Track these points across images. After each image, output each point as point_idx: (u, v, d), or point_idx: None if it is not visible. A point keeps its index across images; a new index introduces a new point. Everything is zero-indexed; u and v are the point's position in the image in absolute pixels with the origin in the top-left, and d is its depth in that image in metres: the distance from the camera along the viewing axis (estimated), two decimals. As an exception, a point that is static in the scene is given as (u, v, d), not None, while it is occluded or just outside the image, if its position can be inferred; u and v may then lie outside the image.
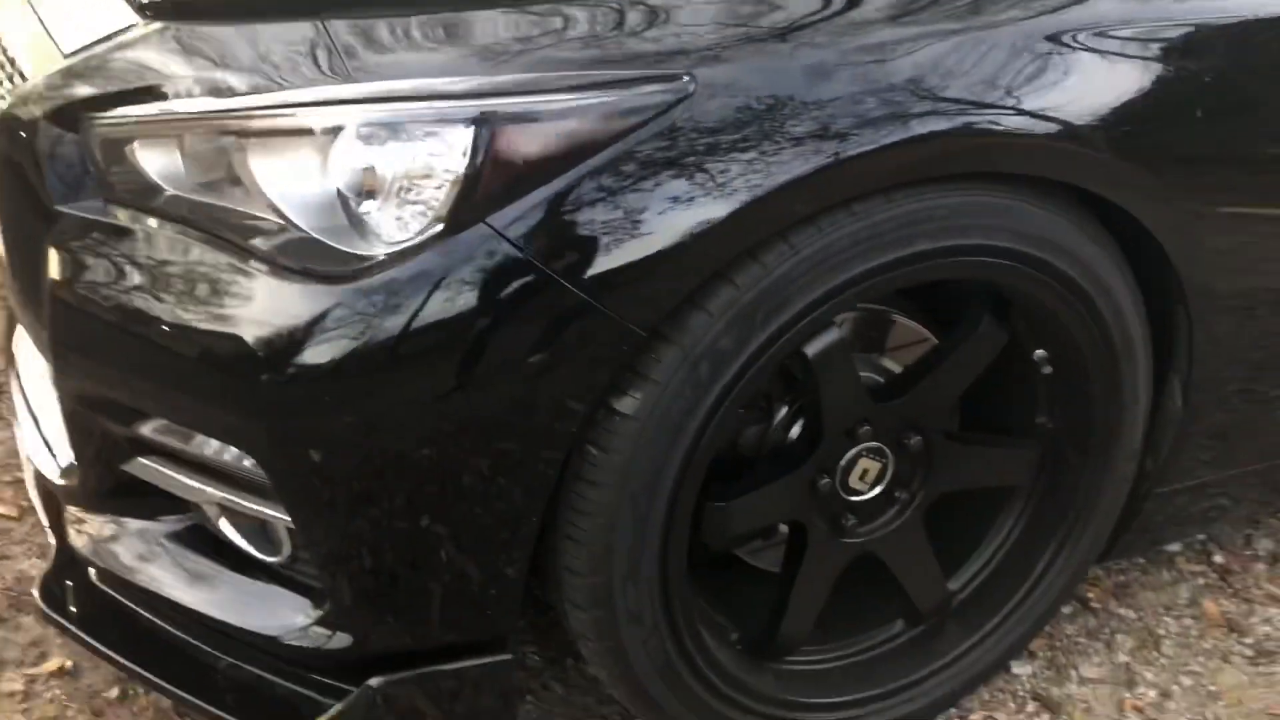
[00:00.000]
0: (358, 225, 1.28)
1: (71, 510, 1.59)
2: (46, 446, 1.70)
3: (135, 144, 1.39)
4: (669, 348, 1.29)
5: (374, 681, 1.39)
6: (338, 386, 1.26)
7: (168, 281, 1.34)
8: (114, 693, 1.65)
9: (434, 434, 1.28)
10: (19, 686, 1.66)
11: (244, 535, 1.45)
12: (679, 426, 1.32)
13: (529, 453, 1.30)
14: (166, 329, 1.32)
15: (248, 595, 1.46)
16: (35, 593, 1.56)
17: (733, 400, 1.33)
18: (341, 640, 1.37)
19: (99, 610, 1.55)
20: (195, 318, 1.31)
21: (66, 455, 1.64)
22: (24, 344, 1.92)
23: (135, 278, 1.36)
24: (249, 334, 1.27)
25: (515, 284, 1.23)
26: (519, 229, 1.22)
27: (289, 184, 1.30)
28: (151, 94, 1.41)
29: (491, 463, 1.30)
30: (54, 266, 1.41)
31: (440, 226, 1.24)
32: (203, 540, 1.51)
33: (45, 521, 1.69)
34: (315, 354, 1.25)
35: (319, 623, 1.38)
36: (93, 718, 1.62)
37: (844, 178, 1.29)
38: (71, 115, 1.43)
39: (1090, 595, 1.97)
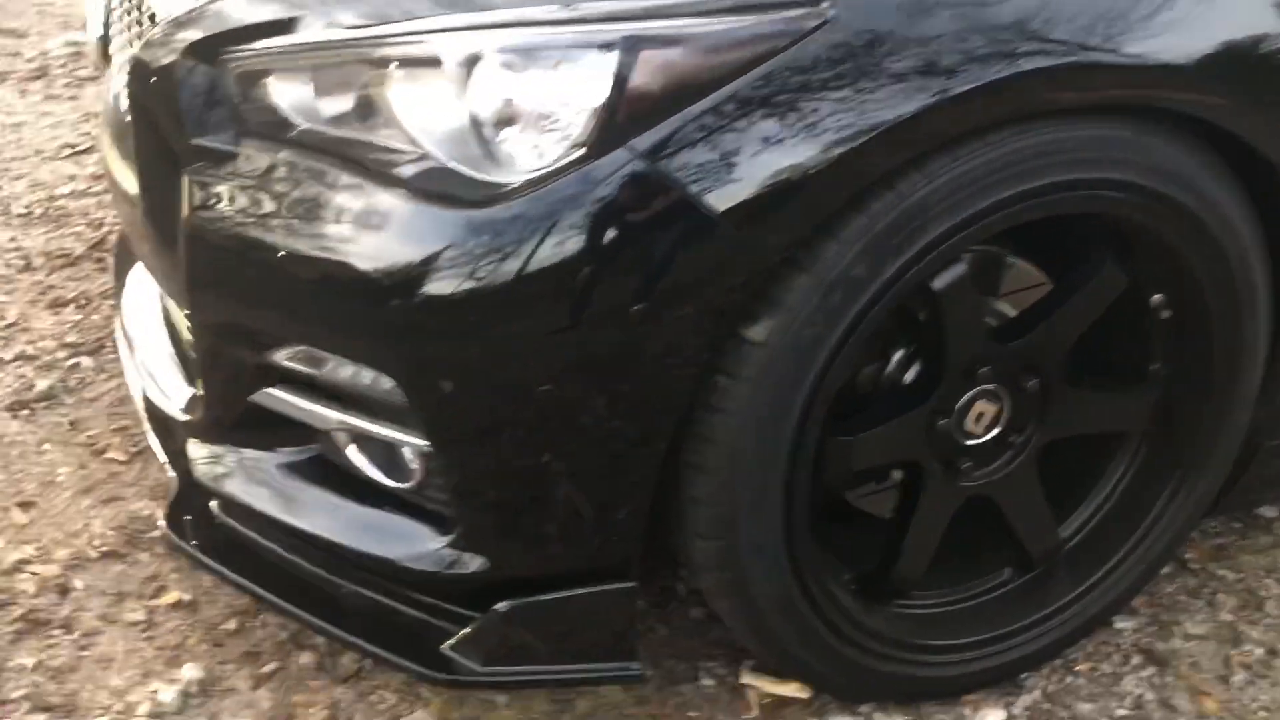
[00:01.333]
0: (493, 152, 1.30)
1: (193, 444, 1.63)
2: (160, 384, 1.74)
3: (270, 78, 1.42)
4: (801, 275, 1.30)
5: (501, 606, 1.41)
6: (475, 312, 1.28)
7: (305, 211, 1.36)
8: (232, 625, 1.69)
9: (566, 360, 1.30)
10: (141, 616, 1.69)
11: (373, 462, 1.47)
12: (809, 355, 1.33)
13: (659, 379, 1.31)
14: (304, 257, 1.35)
15: (373, 523, 1.48)
16: (161, 524, 1.60)
17: (862, 330, 1.34)
18: (472, 564, 1.39)
19: (223, 540, 1.59)
20: (333, 245, 1.33)
21: (185, 391, 1.68)
22: (136, 285, 1.96)
23: (271, 208, 1.39)
24: (386, 260, 1.30)
25: (655, 208, 1.24)
26: (660, 154, 1.23)
27: (425, 112, 1.32)
28: (285, 27, 1.43)
29: (622, 389, 1.32)
30: (189, 200, 1.45)
31: (581, 152, 1.25)
32: (325, 470, 1.54)
33: (163, 457, 1.73)
34: (452, 279, 1.27)
35: (450, 547, 1.40)
36: (213, 648, 1.65)
37: (970, 109, 1.29)
38: (206, 51, 1.46)
39: (1189, 556, 1.96)
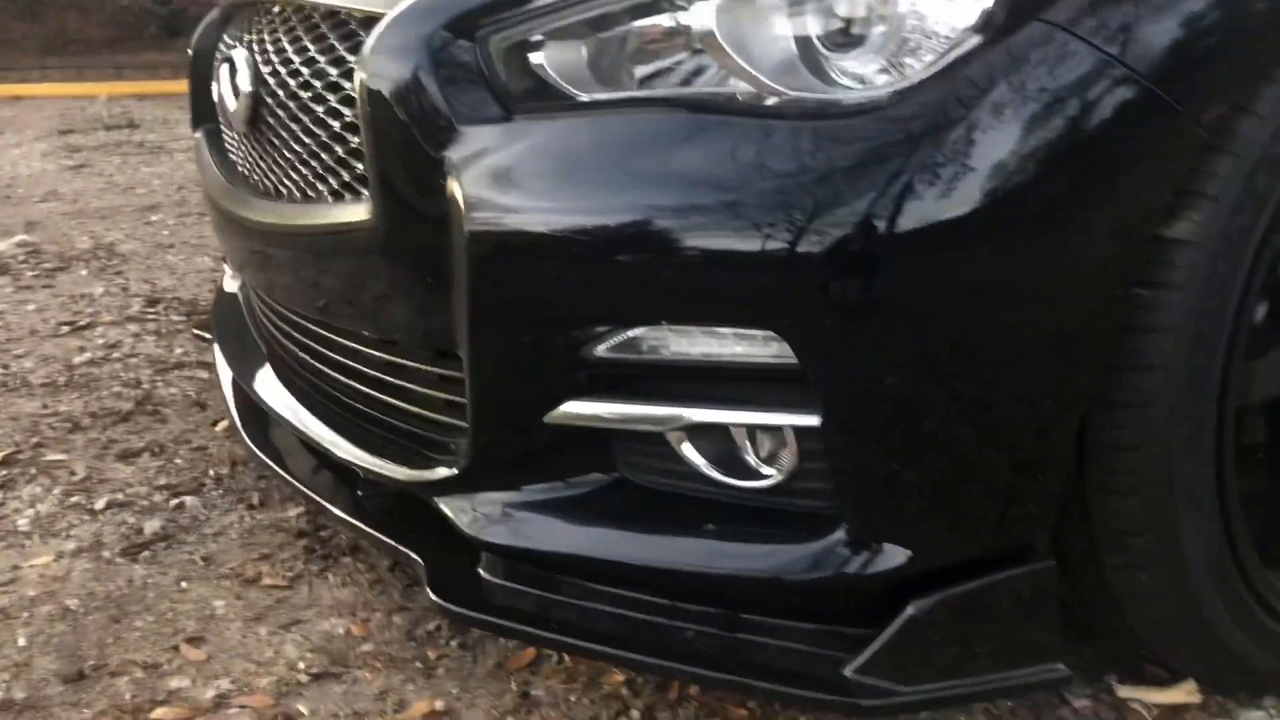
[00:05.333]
0: (823, 71, 1.16)
1: (450, 502, 1.37)
2: (382, 459, 1.49)
3: (542, 49, 1.26)
4: (1223, 158, 1.16)
5: (916, 606, 1.17)
6: (896, 246, 1.09)
7: (645, 170, 1.17)
8: (511, 723, 1.39)
9: (993, 295, 1.11)
10: (398, 731, 1.38)
11: (716, 465, 1.24)
12: (1239, 249, 1.17)
13: (1083, 303, 1.13)
14: (656, 213, 1.14)
15: (722, 540, 1.24)
16: (430, 594, 1.32)
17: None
18: (890, 559, 1.16)
19: (513, 600, 1.31)
20: (700, 195, 1.13)
21: (431, 452, 1.43)
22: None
23: (592, 175, 1.20)
24: (784, 199, 1.10)
25: (1089, 86, 1.09)
26: (1081, 22, 1.09)
27: (752, 42, 1.17)
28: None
29: (1048, 321, 1.13)
30: (467, 189, 1.23)
31: (977, 39, 1.11)
32: (633, 495, 1.30)
33: (385, 538, 1.46)
34: (855, 209, 1.08)
35: (846, 545, 1.17)
36: (502, 750, 1.35)
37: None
38: (465, 27, 1.28)
39: None
